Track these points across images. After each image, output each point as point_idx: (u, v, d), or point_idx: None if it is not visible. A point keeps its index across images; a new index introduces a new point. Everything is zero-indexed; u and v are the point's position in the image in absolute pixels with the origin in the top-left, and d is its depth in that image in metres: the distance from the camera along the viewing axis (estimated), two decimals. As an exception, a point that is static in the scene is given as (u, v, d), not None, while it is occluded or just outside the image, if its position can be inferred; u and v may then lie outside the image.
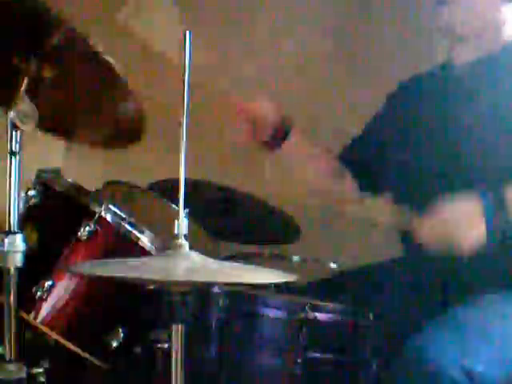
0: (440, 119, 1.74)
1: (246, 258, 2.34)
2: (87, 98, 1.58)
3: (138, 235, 1.62)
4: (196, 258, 1.15)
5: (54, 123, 1.63)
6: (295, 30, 2.70)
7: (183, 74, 1.18)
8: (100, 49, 1.39)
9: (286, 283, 1.78)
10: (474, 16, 1.67)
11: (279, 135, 1.88)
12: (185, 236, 1.16)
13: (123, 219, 1.62)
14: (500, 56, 1.68)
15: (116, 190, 1.98)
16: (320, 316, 1.50)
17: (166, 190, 1.88)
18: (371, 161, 1.93)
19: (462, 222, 1.51)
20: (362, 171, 1.95)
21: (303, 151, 1.96)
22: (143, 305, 1.61)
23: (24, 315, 1.52)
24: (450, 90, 1.74)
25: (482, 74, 1.68)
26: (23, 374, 1.42)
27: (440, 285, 1.66)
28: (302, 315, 1.48)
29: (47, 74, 1.50)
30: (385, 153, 1.88)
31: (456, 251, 1.50)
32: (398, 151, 1.83)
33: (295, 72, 2.67)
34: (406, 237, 1.83)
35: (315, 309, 1.49)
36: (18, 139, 1.43)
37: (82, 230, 1.58)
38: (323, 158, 2.00)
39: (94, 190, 1.77)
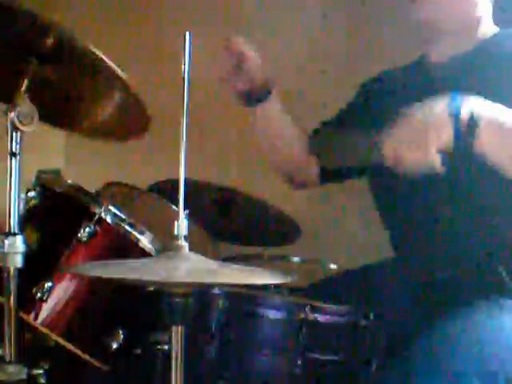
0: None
1: (246, 259, 2.34)
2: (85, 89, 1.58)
3: (138, 236, 1.62)
4: (196, 259, 1.15)
5: (54, 113, 1.64)
6: (295, 30, 2.70)
7: (183, 74, 1.17)
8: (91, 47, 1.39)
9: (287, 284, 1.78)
10: (446, 13, 1.66)
11: (258, 91, 1.83)
12: (185, 237, 1.16)
13: (123, 220, 1.62)
14: (474, 53, 1.67)
15: (116, 191, 1.98)
16: (320, 317, 1.49)
17: (166, 190, 1.88)
18: (335, 149, 1.88)
19: (431, 127, 1.40)
20: (325, 158, 1.92)
21: (279, 118, 1.90)
22: (143, 306, 1.61)
23: (24, 316, 1.52)
24: (423, 87, 1.73)
25: (456, 71, 1.67)
26: (23, 376, 1.43)
27: (438, 285, 1.67)
28: (302, 316, 1.48)
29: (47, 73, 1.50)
30: (351, 144, 1.86)
31: (426, 167, 1.40)
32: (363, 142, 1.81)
33: (295, 71, 2.67)
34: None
35: (315, 309, 1.49)
36: (18, 140, 1.44)
37: (81, 231, 1.58)
38: (296, 134, 1.94)
39: (93, 191, 1.77)
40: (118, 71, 1.43)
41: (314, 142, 1.95)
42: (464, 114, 1.40)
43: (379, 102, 1.82)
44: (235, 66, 1.78)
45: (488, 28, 1.70)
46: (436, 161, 1.39)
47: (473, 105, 1.41)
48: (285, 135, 1.94)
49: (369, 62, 2.58)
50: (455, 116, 1.39)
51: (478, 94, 1.52)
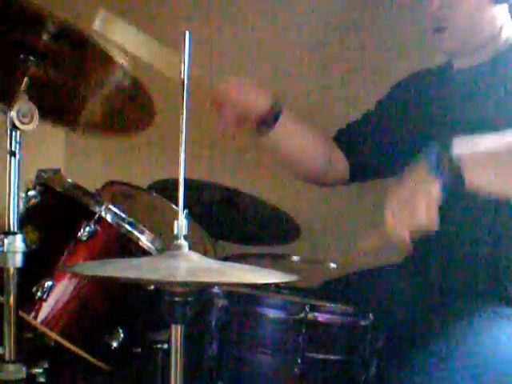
0: (436, 118, 1.73)
1: (246, 259, 2.34)
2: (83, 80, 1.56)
3: (138, 235, 1.62)
4: (196, 258, 1.15)
5: (55, 109, 1.63)
6: (298, 24, 2.69)
7: (182, 74, 1.17)
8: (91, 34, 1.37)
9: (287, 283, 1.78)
10: (473, 37, 1.66)
11: (268, 120, 1.75)
12: (184, 236, 1.16)
13: (123, 219, 1.62)
14: (495, 61, 1.67)
15: (116, 190, 1.98)
16: (320, 316, 1.49)
17: (166, 189, 1.88)
18: (364, 147, 1.89)
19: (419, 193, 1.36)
20: (354, 157, 1.91)
21: (296, 133, 1.84)
22: (143, 305, 1.61)
23: (24, 315, 1.52)
24: (447, 92, 1.74)
25: (478, 79, 1.67)
26: (23, 375, 1.43)
27: (438, 286, 1.67)
28: (302, 315, 1.48)
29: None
30: (379, 142, 1.86)
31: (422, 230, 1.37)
32: (392, 143, 1.82)
33: (297, 64, 2.66)
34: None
35: (315, 309, 1.49)
36: (18, 139, 1.44)
37: (82, 230, 1.58)
38: (318, 141, 1.90)
39: (94, 190, 1.77)
40: (120, 59, 1.40)
41: (342, 139, 1.93)
42: (444, 163, 1.35)
43: (407, 104, 1.82)
44: (228, 109, 1.70)
45: (509, 35, 1.69)
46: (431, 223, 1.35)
47: (450, 149, 1.35)
48: (306, 147, 1.88)
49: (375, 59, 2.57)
50: (436, 171, 1.35)
51: (500, 100, 1.56)
